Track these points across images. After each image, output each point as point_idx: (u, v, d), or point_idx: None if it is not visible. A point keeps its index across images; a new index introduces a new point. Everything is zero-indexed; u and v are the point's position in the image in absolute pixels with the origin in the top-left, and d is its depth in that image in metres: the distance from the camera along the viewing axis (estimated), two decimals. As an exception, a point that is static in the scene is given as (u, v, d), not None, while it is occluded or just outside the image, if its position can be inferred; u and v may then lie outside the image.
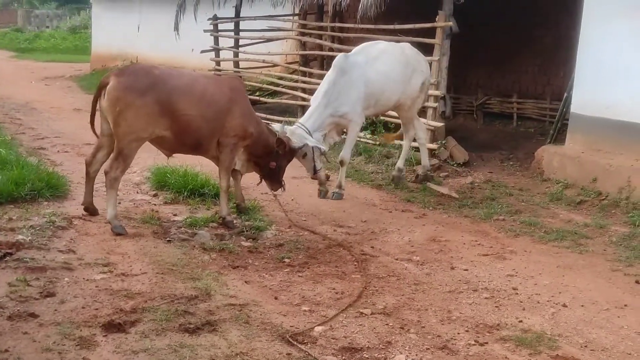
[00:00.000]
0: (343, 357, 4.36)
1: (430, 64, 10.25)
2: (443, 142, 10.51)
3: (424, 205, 8.35)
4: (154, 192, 7.96)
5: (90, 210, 6.86)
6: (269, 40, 15.23)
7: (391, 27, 11.17)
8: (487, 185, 9.47)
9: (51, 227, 6.34)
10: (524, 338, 4.73)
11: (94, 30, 26.19)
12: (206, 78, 7.14)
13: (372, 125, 10.58)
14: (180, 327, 4.56)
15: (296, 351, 4.37)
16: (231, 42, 15.99)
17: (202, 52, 16.30)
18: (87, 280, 5.28)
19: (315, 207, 8.01)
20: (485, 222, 7.75)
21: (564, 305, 5.37)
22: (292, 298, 5.30)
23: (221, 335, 4.52)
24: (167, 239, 6.43)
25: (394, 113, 9.89)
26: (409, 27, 10.77)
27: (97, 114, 6.57)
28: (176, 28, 15.92)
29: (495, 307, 5.30)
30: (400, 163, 9.31)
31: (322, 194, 8.43)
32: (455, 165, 10.26)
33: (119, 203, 7.26)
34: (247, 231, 6.81)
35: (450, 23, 10.17)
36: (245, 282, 5.56)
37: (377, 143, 10.68)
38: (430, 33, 10.41)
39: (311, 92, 9.97)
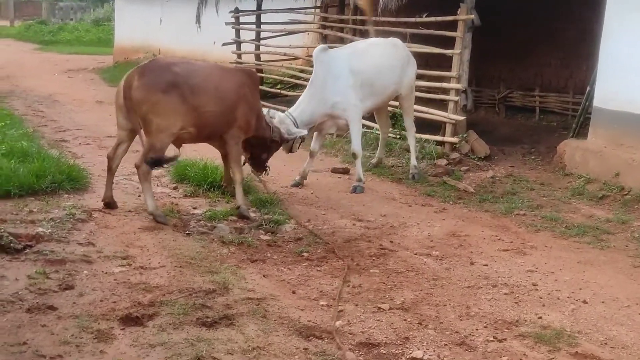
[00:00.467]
0: (360, 353, 4.35)
1: (452, 58, 10.24)
2: (464, 135, 10.43)
3: (444, 200, 8.31)
4: (174, 185, 7.99)
5: (111, 204, 6.90)
6: (290, 33, 15.21)
7: (412, 20, 11.11)
8: (508, 179, 9.39)
9: (71, 219, 6.38)
10: (543, 334, 4.69)
11: (117, 22, 26.32)
12: (220, 70, 7.24)
13: (392, 118, 10.53)
14: (198, 321, 4.57)
15: (313, 346, 4.36)
16: (252, 35, 15.99)
17: (224, 45, 16.34)
18: (106, 273, 5.30)
19: (334, 200, 7.99)
20: (505, 217, 7.68)
21: (585, 302, 5.31)
22: (310, 292, 5.29)
23: (238, 329, 4.52)
24: (186, 232, 6.45)
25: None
26: (431, 19, 10.72)
27: (116, 108, 6.69)
28: (198, 21, 15.95)
29: (515, 303, 5.26)
30: (413, 160, 9.28)
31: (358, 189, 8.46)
32: (476, 159, 10.19)
33: (138, 196, 7.31)
34: (266, 225, 6.81)
35: (472, 16, 10.08)
36: (264, 275, 5.56)
37: (397, 137, 10.64)
38: (452, 26, 10.34)
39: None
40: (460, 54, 10.21)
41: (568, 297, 5.40)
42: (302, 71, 14.68)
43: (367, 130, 11.00)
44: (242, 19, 16.06)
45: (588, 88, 10.23)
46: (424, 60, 12.38)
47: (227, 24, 16.05)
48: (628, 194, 8.25)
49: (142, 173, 6.56)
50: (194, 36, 17.05)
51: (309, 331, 4.57)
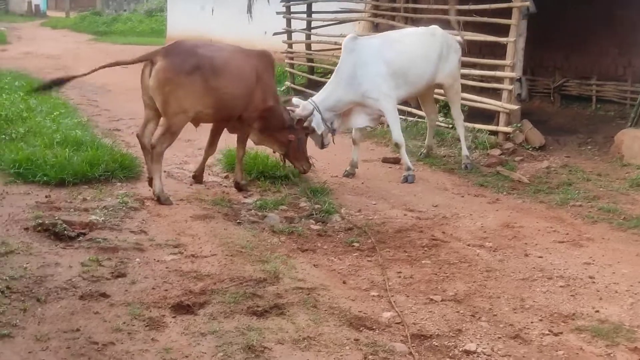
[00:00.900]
0: (412, 344, 4.29)
1: (506, 46, 10.05)
2: (518, 125, 10.24)
3: (497, 190, 8.16)
4: (225, 174, 8.03)
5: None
6: (341, 22, 15.13)
7: (465, 7, 10.94)
8: (563, 170, 9.18)
9: (124, 208, 6.46)
10: (601, 329, 4.57)
11: (169, 13, 26.57)
12: (239, 52, 7.30)
13: (445, 107, 10.39)
14: (248, 310, 4.57)
15: (364, 337, 4.32)
16: (303, 24, 15.96)
17: (275, 34, 16.32)
18: (158, 261, 5.34)
19: (386, 190, 7.92)
20: (561, 208, 7.51)
21: (644, 296, 5.17)
22: (361, 283, 5.25)
23: (289, 318, 4.50)
24: (237, 221, 6.46)
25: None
26: (484, 7, 10.53)
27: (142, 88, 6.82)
28: (249, 10, 16.02)
29: (571, 296, 5.13)
30: (464, 150, 9.15)
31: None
32: (530, 149, 9.99)
33: (190, 185, 7.37)
34: (316, 214, 6.79)
35: (527, 3, 9.87)
36: (314, 265, 5.54)
37: (449, 126, 10.50)
38: (506, 13, 10.14)
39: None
40: (514, 41, 10.01)
41: (626, 291, 5.24)
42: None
43: (419, 119, 10.90)
44: (293, 8, 16.03)
45: (647, 76, 9.97)
46: (477, 48, 12.20)
47: (278, 13, 16.04)
48: (688, 185, 8.02)
49: (156, 154, 6.67)
50: (245, 26, 17.10)
51: (360, 322, 4.53)
